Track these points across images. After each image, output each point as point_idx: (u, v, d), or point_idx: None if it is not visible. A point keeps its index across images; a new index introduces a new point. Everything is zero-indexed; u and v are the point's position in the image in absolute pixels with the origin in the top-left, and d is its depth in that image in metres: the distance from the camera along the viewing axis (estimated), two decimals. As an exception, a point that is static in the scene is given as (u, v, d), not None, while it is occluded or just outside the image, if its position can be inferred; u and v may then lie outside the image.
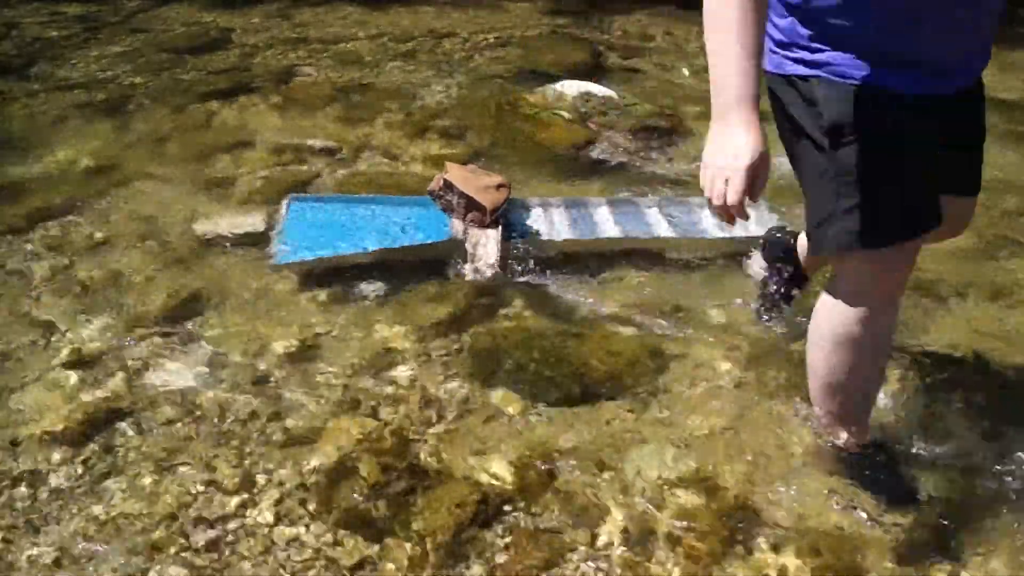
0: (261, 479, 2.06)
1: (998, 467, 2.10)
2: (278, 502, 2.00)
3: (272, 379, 2.39)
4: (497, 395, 2.33)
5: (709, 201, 1.56)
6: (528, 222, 2.97)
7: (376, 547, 1.89)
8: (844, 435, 2.05)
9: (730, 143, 1.51)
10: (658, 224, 3.00)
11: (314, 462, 2.10)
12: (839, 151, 1.66)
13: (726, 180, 1.51)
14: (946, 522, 1.95)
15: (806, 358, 1.99)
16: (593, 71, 4.54)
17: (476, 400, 2.32)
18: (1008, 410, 2.29)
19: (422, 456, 2.13)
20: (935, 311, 2.69)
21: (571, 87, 4.02)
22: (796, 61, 1.67)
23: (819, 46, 1.62)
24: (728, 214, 1.57)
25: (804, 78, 1.66)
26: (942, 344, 2.54)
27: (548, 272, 2.82)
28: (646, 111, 3.92)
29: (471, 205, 2.88)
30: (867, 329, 1.83)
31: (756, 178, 1.52)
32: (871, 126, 1.62)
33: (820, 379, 1.99)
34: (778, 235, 2.59)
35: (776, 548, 1.89)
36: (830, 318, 1.87)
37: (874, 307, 1.81)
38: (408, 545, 1.89)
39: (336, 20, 5.39)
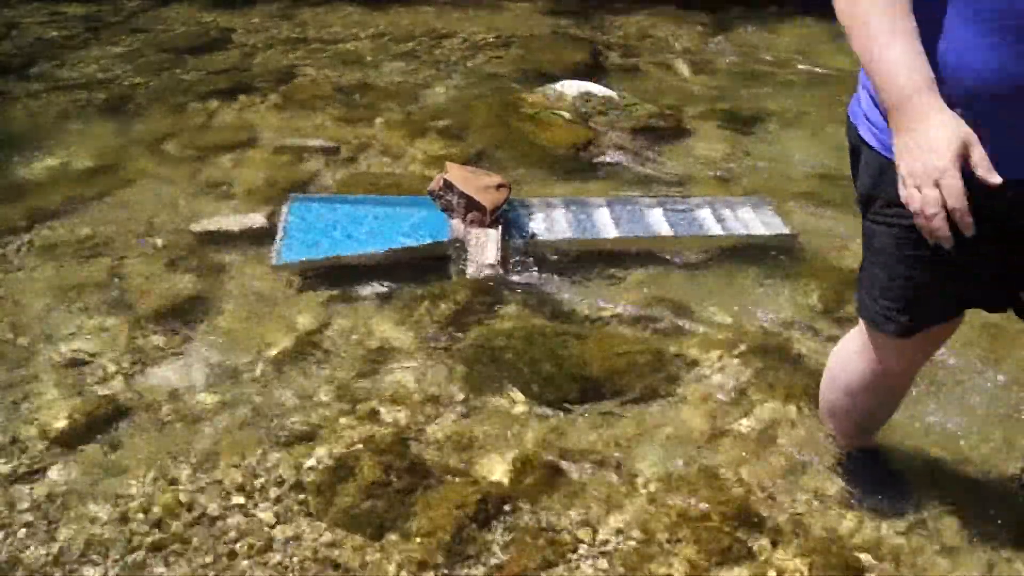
0: (261, 479, 2.06)
1: (999, 466, 2.11)
2: (278, 502, 2.00)
3: (272, 379, 2.39)
4: (497, 395, 2.33)
5: (923, 222, 1.22)
6: (528, 222, 2.97)
7: (376, 547, 1.89)
8: (844, 442, 2.07)
9: (922, 142, 1.19)
10: (658, 224, 3.00)
11: (314, 462, 2.10)
12: (865, 223, 1.56)
13: (935, 184, 1.18)
14: (947, 521, 1.95)
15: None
16: (593, 71, 4.54)
17: (476, 400, 2.32)
18: (1010, 409, 2.30)
19: (422, 456, 2.13)
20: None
21: (571, 87, 4.02)
22: (865, 118, 1.50)
23: (879, 110, 1.41)
24: (944, 226, 1.19)
25: (863, 139, 1.51)
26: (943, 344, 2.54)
27: (548, 272, 2.82)
28: (646, 111, 3.91)
29: (471, 205, 2.88)
30: (878, 390, 1.82)
31: (974, 167, 1.18)
32: (893, 208, 1.42)
33: (827, 402, 1.99)
34: None
35: (776, 548, 1.89)
36: (845, 366, 1.84)
37: (890, 374, 1.77)
38: (408, 545, 1.89)
39: (336, 20, 5.38)
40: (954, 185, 1.17)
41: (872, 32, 1.24)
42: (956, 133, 1.18)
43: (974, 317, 1.72)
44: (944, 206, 1.18)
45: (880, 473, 2.05)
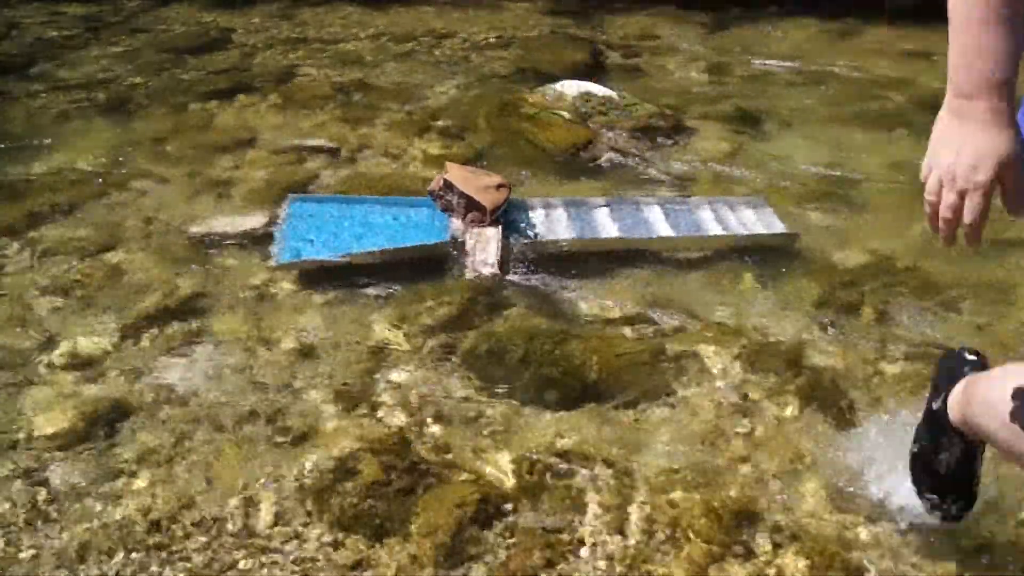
0: (261, 479, 2.06)
1: (1007, 466, 2.10)
2: (278, 502, 2.00)
3: (272, 379, 2.38)
4: (497, 395, 2.33)
5: (931, 212, 1.20)
6: (528, 222, 2.97)
7: (376, 547, 1.89)
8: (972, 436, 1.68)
9: (969, 143, 1.15)
10: (658, 224, 3.00)
11: (314, 462, 2.10)
12: None
13: (960, 193, 1.16)
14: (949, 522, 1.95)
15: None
16: (593, 71, 4.54)
17: (476, 400, 2.32)
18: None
19: (422, 456, 2.12)
20: (940, 311, 2.69)
21: (571, 87, 4.02)
22: None
23: None
24: (951, 231, 1.19)
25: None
26: (947, 338, 2.55)
27: (548, 272, 2.82)
28: (646, 111, 3.92)
29: (471, 205, 2.88)
30: None
31: (1005, 191, 1.18)
32: None
33: (977, 420, 1.59)
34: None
35: (776, 548, 1.89)
36: None
37: None
38: (408, 545, 1.89)
39: (336, 20, 5.39)
40: (979, 205, 1.16)
41: (974, 4, 1.16)
42: (1005, 154, 1.15)
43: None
44: (957, 215, 1.17)
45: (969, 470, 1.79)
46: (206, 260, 2.91)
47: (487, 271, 2.74)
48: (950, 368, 1.75)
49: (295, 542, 1.90)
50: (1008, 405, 1.42)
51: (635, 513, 1.97)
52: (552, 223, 2.99)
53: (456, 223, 2.90)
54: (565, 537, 1.91)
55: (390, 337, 2.55)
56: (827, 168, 3.53)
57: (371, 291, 2.73)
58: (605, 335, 2.56)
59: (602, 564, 1.85)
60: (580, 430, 2.22)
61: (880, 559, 1.86)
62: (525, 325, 2.58)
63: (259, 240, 2.99)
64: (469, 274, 2.76)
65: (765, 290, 2.78)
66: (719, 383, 2.38)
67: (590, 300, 2.72)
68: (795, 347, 2.52)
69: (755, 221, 3.04)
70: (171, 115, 4.03)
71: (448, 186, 2.93)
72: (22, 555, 1.86)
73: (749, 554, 1.88)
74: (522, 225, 2.95)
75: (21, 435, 2.18)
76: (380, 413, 2.26)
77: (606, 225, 2.99)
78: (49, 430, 2.19)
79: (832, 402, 2.31)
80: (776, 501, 2.01)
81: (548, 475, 2.07)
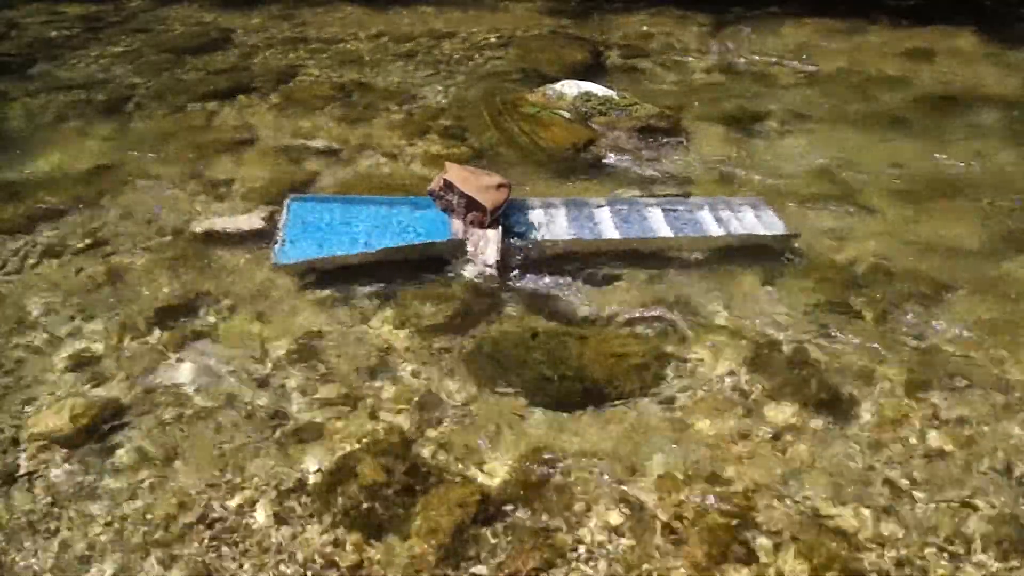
0: (261, 479, 2.06)
1: (1001, 463, 2.11)
2: (278, 502, 2.00)
3: (272, 379, 2.38)
4: (497, 396, 2.33)
5: None
6: (528, 222, 2.97)
7: (376, 547, 1.89)
8: None
9: None
10: (658, 224, 3.00)
11: (314, 462, 2.10)
12: None
13: None
14: (946, 519, 1.95)
15: None
16: (593, 71, 4.54)
17: (476, 400, 2.32)
18: (1009, 401, 2.30)
19: (422, 456, 2.13)
20: (940, 306, 2.70)
21: (571, 87, 4.02)
22: None
23: None
24: None
25: None
26: (946, 338, 2.55)
27: (548, 272, 2.82)
28: (646, 111, 3.92)
29: (471, 205, 2.88)
30: None
31: None
32: None
33: None
34: None
35: (776, 548, 1.89)
36: None
37: None
38: (408, 545, 1.89)
39: (336, 20, 5.39)
40: None
41: None
42: None
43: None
44: None
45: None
46: (206, 260, 2.91)
47: (487, 271, 2.74)
48: None
49: (295, 542, 1.90)
50: None
51: (635, 513, 1.97)
52: (552, 223, 2.99)
53: (456, 223, 2.90)
54: (565, 537, 1.91)
55: (390, 337, 2.55)
56: (827, 168, 3.53)
57: (371, 291, 2.73)
58: (605, 336, 2.56)
59: (602, 564, 1.85)
60: (579, 430, 2.22)
61: (880, 559, 1.87)
62: (525, 325, 2.58)
63: (259, 240, 2.99)
64: (469, 274, 2.76)
65: (765, 290, 2.78)
66: (719, 384, 2.38)
67: (590, 300, 2.72)
68: (795, 347, 2.52)
69: (755, 221, 3.04)
70: (171, 115, 4.03)
71: (448, 186, 2.93)
72: (23, 555, 1.86)
73: (749, 555, 1.88)
74: (522, 225, 2.95)
75: (21, 435, 2.18)
76: (380, 413, 2.26)
77: (606, 225, 2.99)
78: (50, 430, 2.19)
79: (832, 402, 2.31)
80: (777, 501, 2.01)
81: (547, 475, 2.07)
